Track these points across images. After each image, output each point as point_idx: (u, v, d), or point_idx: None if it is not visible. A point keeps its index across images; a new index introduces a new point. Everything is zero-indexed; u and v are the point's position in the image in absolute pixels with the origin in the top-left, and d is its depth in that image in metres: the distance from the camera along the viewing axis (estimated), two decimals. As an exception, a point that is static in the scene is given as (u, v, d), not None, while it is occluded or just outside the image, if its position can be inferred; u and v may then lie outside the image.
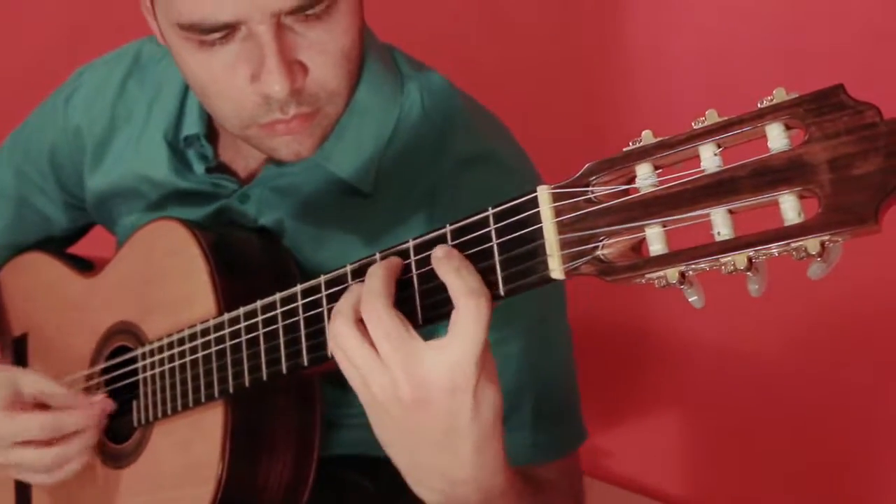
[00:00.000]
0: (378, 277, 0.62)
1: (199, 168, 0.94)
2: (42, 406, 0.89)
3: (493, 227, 0.59)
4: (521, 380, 0.86)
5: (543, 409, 0.88)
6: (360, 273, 0.66)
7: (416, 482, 0.66)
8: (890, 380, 1.30)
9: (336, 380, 0.92)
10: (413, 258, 0.63)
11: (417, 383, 0.59)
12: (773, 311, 1.16)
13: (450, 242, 0.61)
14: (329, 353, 0.65)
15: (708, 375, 1.45)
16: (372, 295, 0.61)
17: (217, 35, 0.75)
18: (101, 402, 0.89)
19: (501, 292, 0.58)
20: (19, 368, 0.96)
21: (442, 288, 0.60)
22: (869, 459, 1.37)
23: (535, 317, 0.86)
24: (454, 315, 0.59)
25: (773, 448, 1.40)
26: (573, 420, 0.92)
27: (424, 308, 0.63)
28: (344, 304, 0.63)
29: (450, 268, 0.59)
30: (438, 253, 0.61)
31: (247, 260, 0.88)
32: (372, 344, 0.61)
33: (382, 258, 0.65)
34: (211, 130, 0.95)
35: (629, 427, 1.42)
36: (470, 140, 0.90)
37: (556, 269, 0.56)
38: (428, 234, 0.63)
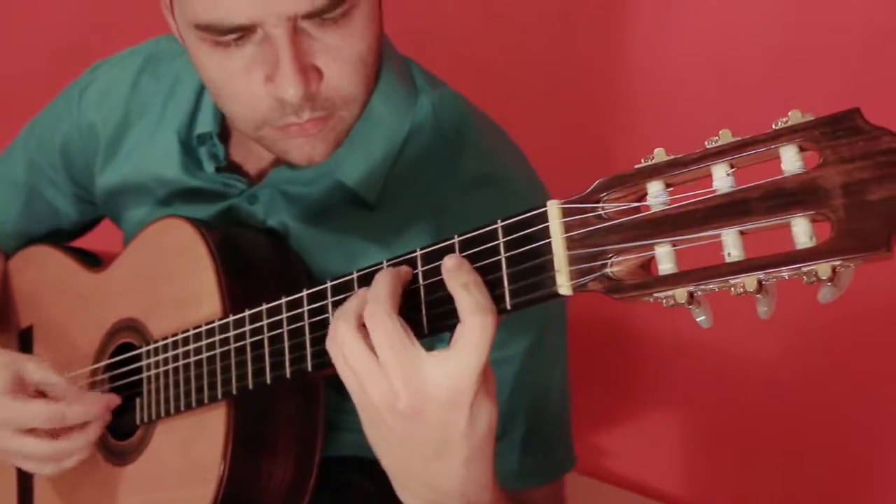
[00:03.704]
0: (384, 283, 0.61)
1: (209, 167, 0.94)
2: (43, 395, 0.88)
3: (501, 240, 0.59)
4: (515, 403, 0.86)
5: (534, 434, 0.88)
6: (366, 280, 0.66)
7: (402, 487, 0.67)
8: (890, 380, 1.30)
9: (337, 385, 0.92)
10: (420, 268, 0.63)
11: (416, 394, 0.59)
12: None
13: (457, 254, 0.61)
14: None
15: (708, 375, 1.45)
16: (376, 300, 0.60)
17: (233, 36, 0.75)
18: (106, 398, 0.88)
19: (508, 306, 0.58)
20: (23, 355, 0.95)
21: (449, 299, 0.60)
22: (869, 460, 1.36)
23: (535, 339, 0.86)
24: (459, 329, 0.58)
25: (773, 448, 1.40)
26: (562, 446, 0.92)
27: (430, 318, 0.62)
28: (348, 307, 0.62)
29: (458, 283, 0.59)
30: (448, 264, 0.60)
31: (254, 260, 0.87)
32: (373, 349, 0.60)
33: (390, 265, 0.65)
34: (223, 129, 0.95)
35: (629, 427, 1.41)
36: (480, 159, 0.89)
37: (563, 285, 0.55)
38: (436, 244, 0.62)
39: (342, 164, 0.87)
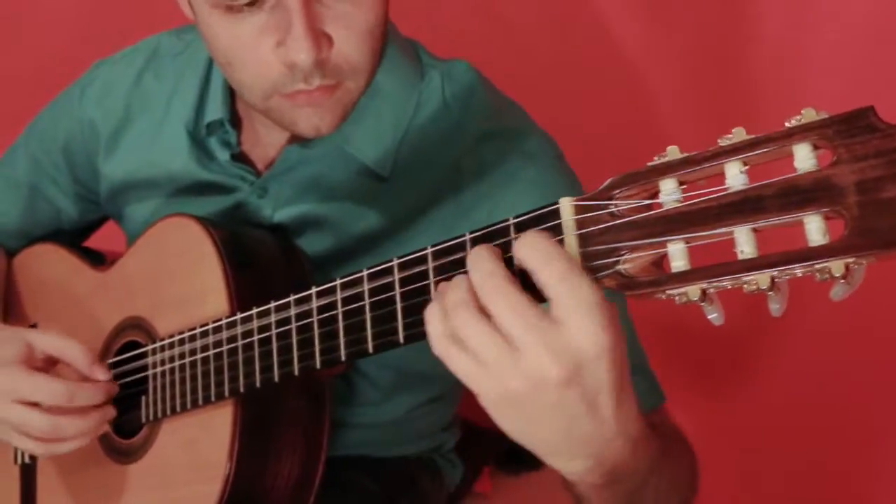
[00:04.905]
0: (488, 259, 0.56)
1: (222, 155, 0.94)
2: (53, 370, 0.87)
3: (513, 236, 0.58)
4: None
5: (638, 360, 0.86)
6: (375, 277, 0.66)
7: (558, 456, 0.60)
8: (890, 380, 1.30)
9: (340, 376, 0.92)
10: (431, 264, 0.63)
11: (564, 359, 0.53)
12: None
13: (469, 250, 0.60)
14: (366, 348, 0.65)
15: (708, 375, 1.45)
16: (493, 276, 0.55)
17: (245, 1, 0.75)
18: (108, 385, 0.87)
19: (521, 302, 0.58)
20: (28, 329, 0.94)
21: None
22: (870, 461, 1.37)
23: None
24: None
25: (773, 448, 1.41)
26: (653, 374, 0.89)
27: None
28: (459, 294, 0.56)
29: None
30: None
31: (260, 258, 0.87)
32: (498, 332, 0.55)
33: (400, 265, 0.65)
34: (234, 116, 0.95)
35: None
36: (485, 119, 0.90)
37: (576, 282, 0.55)
38: (445, 242, 0.62)
39: (352, 138, 0.88)
